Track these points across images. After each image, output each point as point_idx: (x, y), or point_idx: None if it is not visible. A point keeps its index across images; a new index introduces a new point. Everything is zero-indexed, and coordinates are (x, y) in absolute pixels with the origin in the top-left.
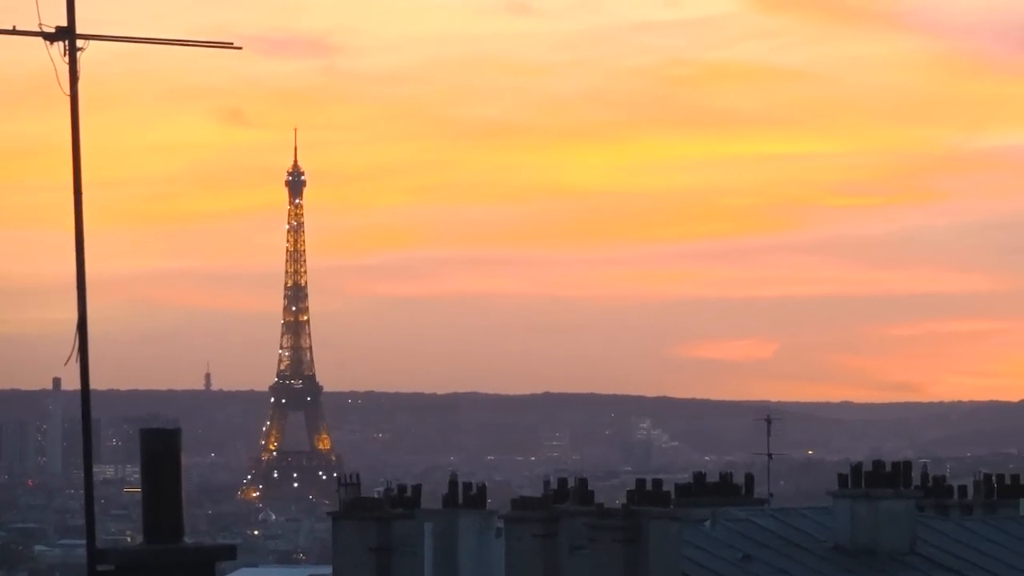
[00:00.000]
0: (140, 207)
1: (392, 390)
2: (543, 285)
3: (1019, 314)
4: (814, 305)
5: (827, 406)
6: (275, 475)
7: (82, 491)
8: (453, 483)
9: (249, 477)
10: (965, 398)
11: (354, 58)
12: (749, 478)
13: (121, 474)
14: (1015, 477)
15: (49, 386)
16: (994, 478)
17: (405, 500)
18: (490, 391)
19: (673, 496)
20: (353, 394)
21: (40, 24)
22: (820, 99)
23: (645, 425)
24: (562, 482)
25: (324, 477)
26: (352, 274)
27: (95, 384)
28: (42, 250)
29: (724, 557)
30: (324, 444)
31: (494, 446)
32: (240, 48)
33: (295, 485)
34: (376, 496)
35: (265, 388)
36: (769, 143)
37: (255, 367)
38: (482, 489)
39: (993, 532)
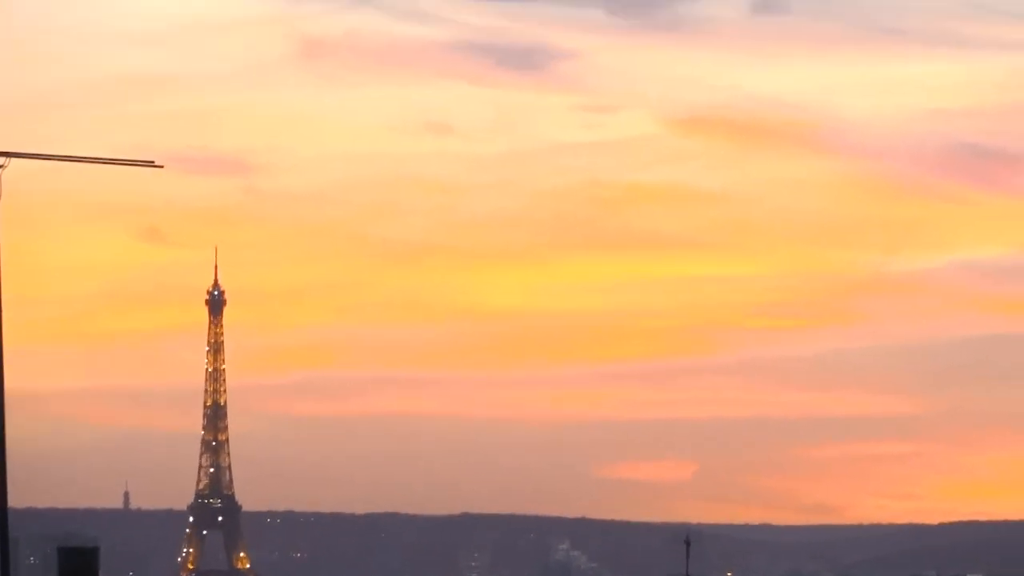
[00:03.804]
0: (60, 325)
1: (311, 510)
2: (462, 406)
3: (937, 437)
4: (734, 426)
5: (746, 527)
6: None
7: None
8: None
9: None
10: (885, 520)
11: (274, 177)
12: None
13: None
14: None
15: None
16: None
17: None
18: (409, 511)
19: None
20: (272, 513)
21: None
22: (739, 221)
23: (564, 546)
24: None
25: None
26: (272, 393)
27: (13, 502)
28: None
29: None
30: (243, 563)
31: (413, 567)
32: (162, 167)
33: None
34: None
35: (184, 507)
36: (689, 265)
37: (174, 486)
38: None
39: None
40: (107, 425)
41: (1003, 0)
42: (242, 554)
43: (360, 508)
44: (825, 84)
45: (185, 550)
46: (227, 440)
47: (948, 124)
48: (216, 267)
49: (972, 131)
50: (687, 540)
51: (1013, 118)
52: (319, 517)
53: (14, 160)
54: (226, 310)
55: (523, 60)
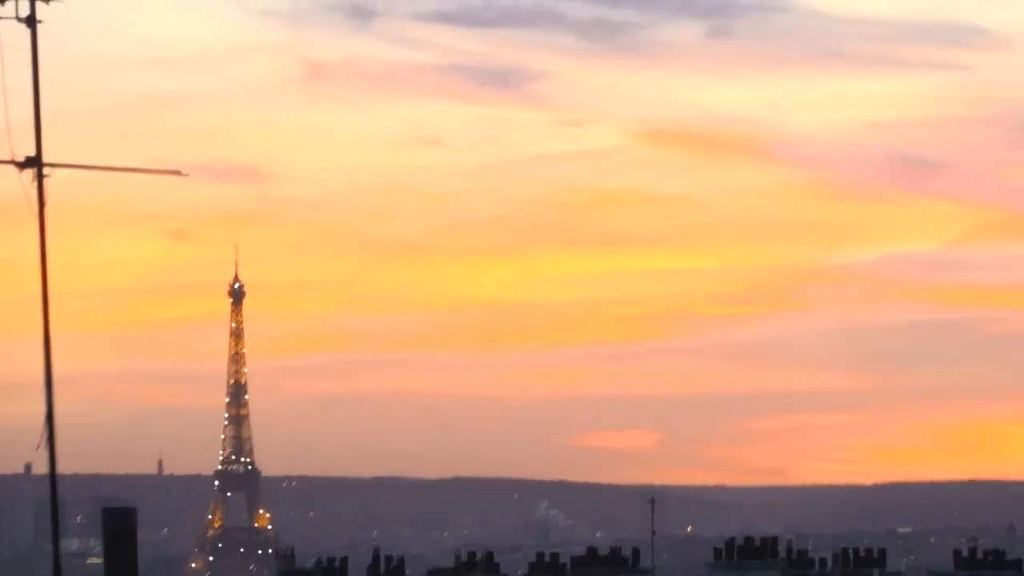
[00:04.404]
0: (98, 315)
1: (322, 474)
2: (453, 384)
3: (870, 409)
4: (693, 401)
5: (704, 488)
6: (220, 548)
7: (51, 562)
8: (376, 556)
9: (197, 550)
10: (824, 482)
11: (285, 185)
12: (636, 552)
13: (85, 547)
14: (868, 551)
15: (21, 470)
16: (851, 551)
17: (333, 570)
18: (408, 475)
19: (568, 568)
20: (288, 478)
21: (11, 154)
22: (697, 221)
23: (544, 505)
24: (471, 555)
25: (261, 551)
26: (287, 374)
27: (61, 469)
28: (13, 352)
29: None
30: (262, 521)
31: (412, 524)
32: (187, 175)
33: (238, 557)
34: (308, 568)
35: (211, 472)
36: (652, 260)
37: (202, 454)
38: (401, 560)
39: None
40: (142, 402)
41: (929, 26)
42: (262, 513)
43: (365, 473)
44: (772, 101)
45: (212, 510)
46: (248, 415)
47: (881, 136)
48: (236, 263)
49: (902, 142)
50: (652, 500)
51: (938, 130)
52: (329, 481)
53: (57, 170)
54: (246, 301)
55: (503, 80)
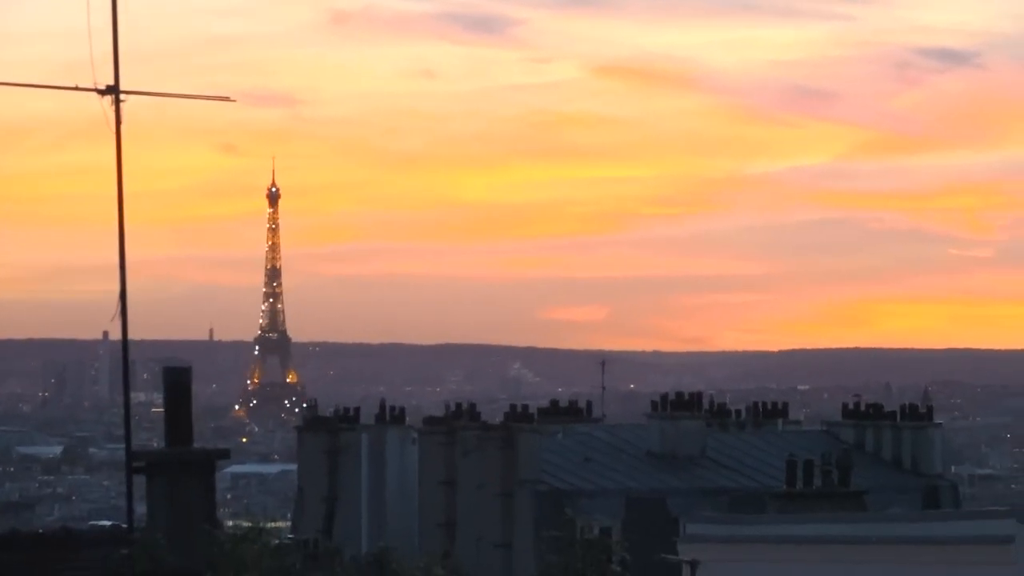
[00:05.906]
0: (162, 212)
1: (340, 341)
2: (445, 268)
3: (776, 290)
4: (634, 283)
5: (643, 354)
6: (258, 400)
7: (123, 410)
8: (382, 406)
9: (240, 401)
10: (740, 348)
11: (314, 108)
12: (589, 404)
13: (150, 398)
14: (774, 404)
15: (100, 336)
16: (760, 405)
17: (348, 418)
18: (408, 341)
19: (536, 416)
20: (312, 343)
21: (94, 83)
22: (639, 139)
23: (517, 366)
24: (458, 406)
25: (290, 402)
26: (313, 260)
27: (131, 335)
28: (95, 241)
29: (571, 459)
30: (292, 378)
31: (411, 380)
32: (235, 101)
33: (272, 407)
34: (328, 415)
35: (251, 339)
36: (602, 169)
37: (244, 324)
38: (402, 411)
39: (759, 442)
40: (197, 282)
41: None
42: (291, 372)
43: (374, 339)
44: (700, 43)
45: (251, 369)
46: (281, 292)
47: (783, 72)
48: (273, 171)
49: (800, 77)
50: (602, 363)
51: (828, 68)
52: (345, 346)
53: (131, 96)
54: (280, 202)
55: (487, 26)
